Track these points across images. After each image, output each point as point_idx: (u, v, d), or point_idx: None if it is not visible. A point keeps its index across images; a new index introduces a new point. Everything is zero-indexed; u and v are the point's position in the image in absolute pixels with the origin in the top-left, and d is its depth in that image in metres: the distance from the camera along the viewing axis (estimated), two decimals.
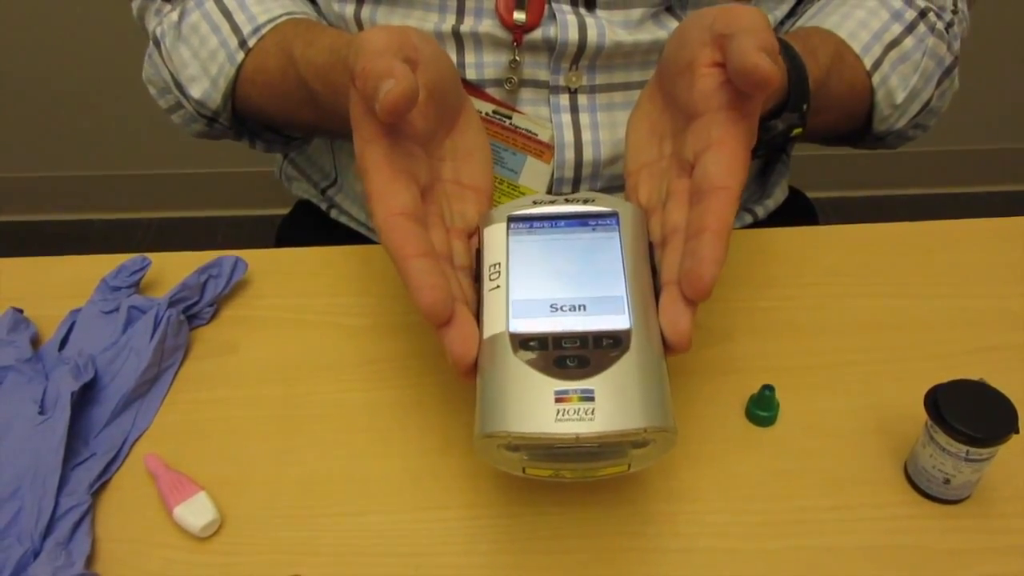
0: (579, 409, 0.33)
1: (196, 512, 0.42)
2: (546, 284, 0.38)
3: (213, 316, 0.54)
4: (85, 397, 0.47)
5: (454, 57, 0.55)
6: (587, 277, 0.38)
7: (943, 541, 0.41)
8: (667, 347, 0.36)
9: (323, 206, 0.74)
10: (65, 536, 0.41)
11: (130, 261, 0.55)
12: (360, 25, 0.57)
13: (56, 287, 0.56)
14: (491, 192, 0.44)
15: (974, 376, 0.42)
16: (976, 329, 0.52)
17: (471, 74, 0.55)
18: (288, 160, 0.76)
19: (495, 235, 0.40)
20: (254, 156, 0.71)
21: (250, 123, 0.63)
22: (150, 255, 0.55)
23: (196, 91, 0.59)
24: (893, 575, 0.40)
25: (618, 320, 0.36)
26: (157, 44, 0.61)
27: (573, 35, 0.53)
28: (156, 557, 0.42)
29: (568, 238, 0.40)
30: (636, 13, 0.54)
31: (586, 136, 0.57)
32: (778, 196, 0.72)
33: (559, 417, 0.33)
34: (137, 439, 0.47)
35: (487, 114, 0.56)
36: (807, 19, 0.61)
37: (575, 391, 0.33)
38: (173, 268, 0.56)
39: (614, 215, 0.40)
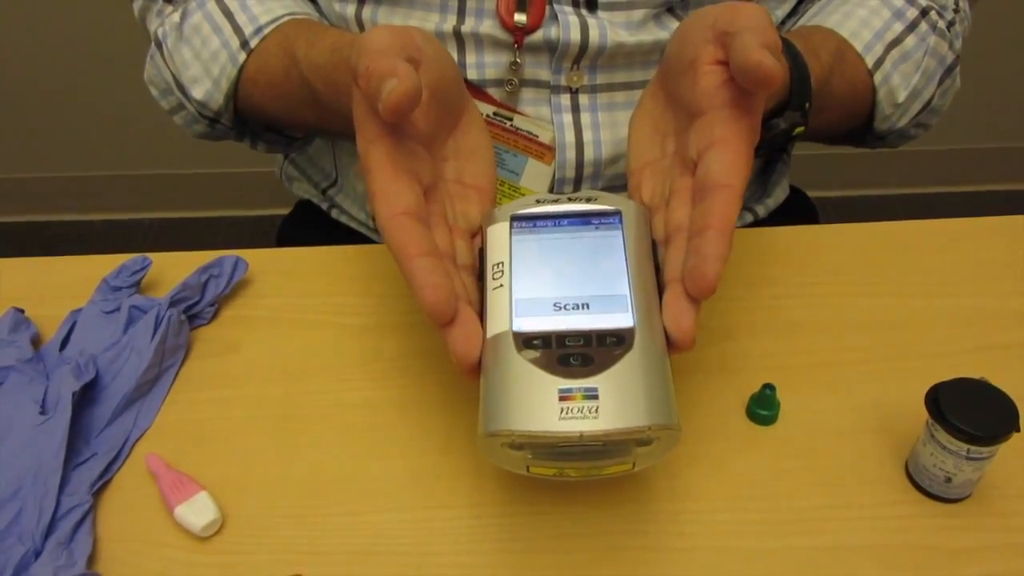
0: (583, 407, 0.33)
1: (197, 512, 0.42)
2: (549, 283, 0.38)
3: (214, 316, 0.54)
4: (86, 397, 0.47)
5: (455, 57, 0.55)
6: (590, 275, 0.38)
7: (944, 540, 0.41)
8: (671, 345, 0.36)
9: (324, 206, 0.74)
10: (66, 536, 0.41)
11: (131, 261, 0.55)
12: (361, 25, 0.57)
13: (57, 287, 0.56)
14: (494, 191, 0.44)
15: (975, 374, 0.42)
16: (977, 327, 0.52)
17: (472, 74, 0.55)
18: (289, 160, 0.76)
19: (498, 234, 0.40)
20: (255, 156, 0.71)
21: (252, 124, 0.63)
22: (151, 255, 0.55)
23: (198, 92, 0.59)
24: (894, 574, 0.40)
25: (622, 318, 0.36)
26: (159, 45, 0.61)
27: (575, 36, 0.53)
28: (157, 557, 0.42)
29: (571, 237, 0.40)
30: (638, 14, 0.54)
31: (587, 136, 0.57)
32: (779, 195, 0.72)
33: (563, 415, 0.33)
34: (138, 439, 0.47)
35: (488, 116, 0.56)
36: (809, 18, 0.61)
37: (579, 389, 0.33)
38: (174, 268, 0.56)
39: (617, 214, 0.40)
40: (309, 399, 0.49)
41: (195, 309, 0.53)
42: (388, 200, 0.37)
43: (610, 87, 0.57)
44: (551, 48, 0.54)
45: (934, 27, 0.59)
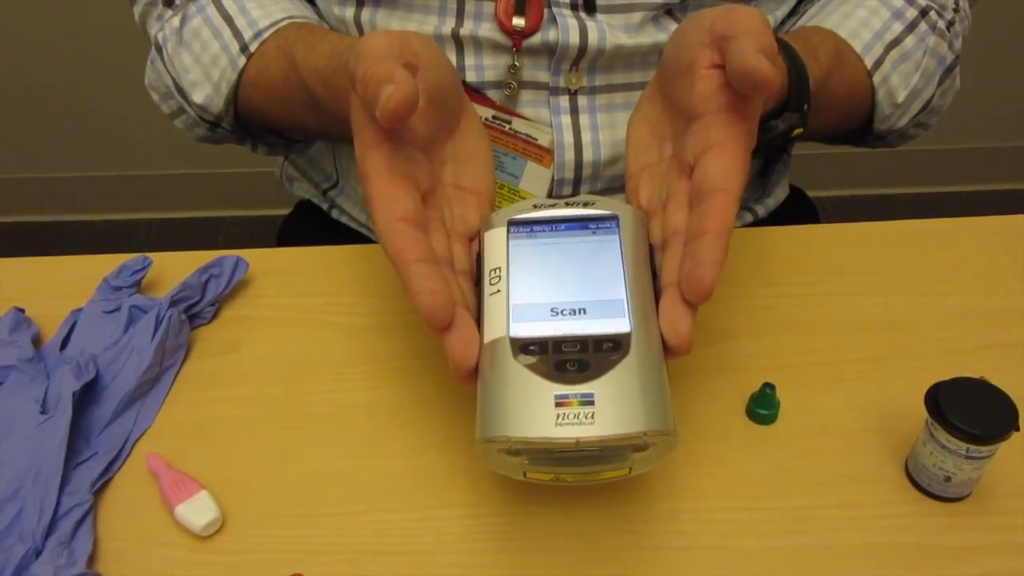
0: (579, 413, 0.33)
1: (197, 511, 0.42)
2: (546, 288, 0.37)
3: (214, 316, 0.54)
4: (87, 397, 0.48)
5: (454, 59, 0.55)
6: (587, 281, 0.38)
7: (944, 539, 0.41)
8: (667, 350, 0.36)
9: (324, 206, 0.74)
10: (67, 535, 0.41)
11: (131, 261, 0.55)
12: (360, 28, 0.57)
13: (57, 287, 0.56)
14: (492, 195, 0.44)
15: (975, 374, 0.42)
16: (977, 327, 0.52)
17: (471, 76, 0.55)
18: (289, 161, 0.76)
19: (495, 239, 0.40)
20: (255, 157, 0.71)
21: (252, 127, 0.63)
22: (151, 255, 0.56)
23: (198, 96, 0.59)
24: (893, 573, 0.40)
25: (618, 323, 0.35)
26: (159, 49, 0.61)
27: (574, 39, 0.53)
28: (158, 556, 0.42)
29: (568, 242, 0.40)
30: (636, 16, 0.54)
31: (586, 137, 0.57)
32: (779, 195, 0.72)
33: (559, 421, 0.33)
34: (139, 438, 0.47)
35: (487, 119, 0.56)
36: (808, 19, 0.61)
37: (575, 395, 0.33)
38: (174, 268, 0.56)
39: (614, 218, 0.40)
40: (309, 399, 0.49)
41: (195, 309, 0.53)
42: (386, 206, 0.37)
43: (609, 89, 0.57)
44: (550, 51, 0.54)
45: (933, 27, 0.59)
